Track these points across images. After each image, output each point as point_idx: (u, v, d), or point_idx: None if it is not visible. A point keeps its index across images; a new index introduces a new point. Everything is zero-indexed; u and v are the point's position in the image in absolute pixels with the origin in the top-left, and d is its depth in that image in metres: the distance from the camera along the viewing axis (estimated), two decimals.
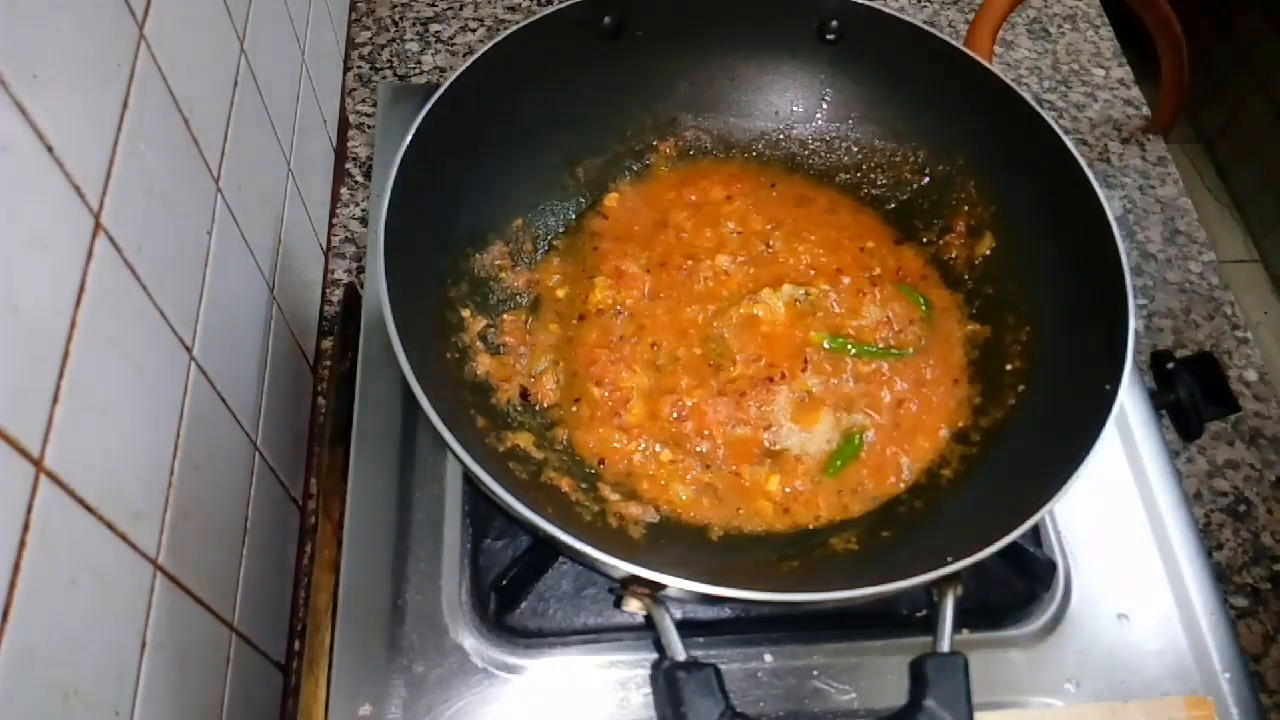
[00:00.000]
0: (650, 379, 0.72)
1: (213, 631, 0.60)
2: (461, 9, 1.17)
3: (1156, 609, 0.66)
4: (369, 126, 1.05)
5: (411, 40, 1.13)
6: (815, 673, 0.63)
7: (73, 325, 0.44)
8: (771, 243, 0.79)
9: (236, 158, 0.68)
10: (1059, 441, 0.60)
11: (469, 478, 0.67)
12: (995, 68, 0.74)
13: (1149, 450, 0.73)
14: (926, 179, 0.80)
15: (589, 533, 0.63)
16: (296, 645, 0.75)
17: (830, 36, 0.79)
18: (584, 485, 0.67)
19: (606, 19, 0.75)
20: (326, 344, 0.90)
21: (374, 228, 0.62)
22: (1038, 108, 0.70)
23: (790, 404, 0.71)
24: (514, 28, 0.71)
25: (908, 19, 0.75)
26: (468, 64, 0.69)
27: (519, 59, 0.72)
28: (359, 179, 1.02)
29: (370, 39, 1.14)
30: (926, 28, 0.75)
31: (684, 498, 0.67)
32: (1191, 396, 0.71)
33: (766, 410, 0.71)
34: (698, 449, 0.69)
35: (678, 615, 0.63)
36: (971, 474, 0.67)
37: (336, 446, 0.70)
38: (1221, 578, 0.80)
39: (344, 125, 1.05)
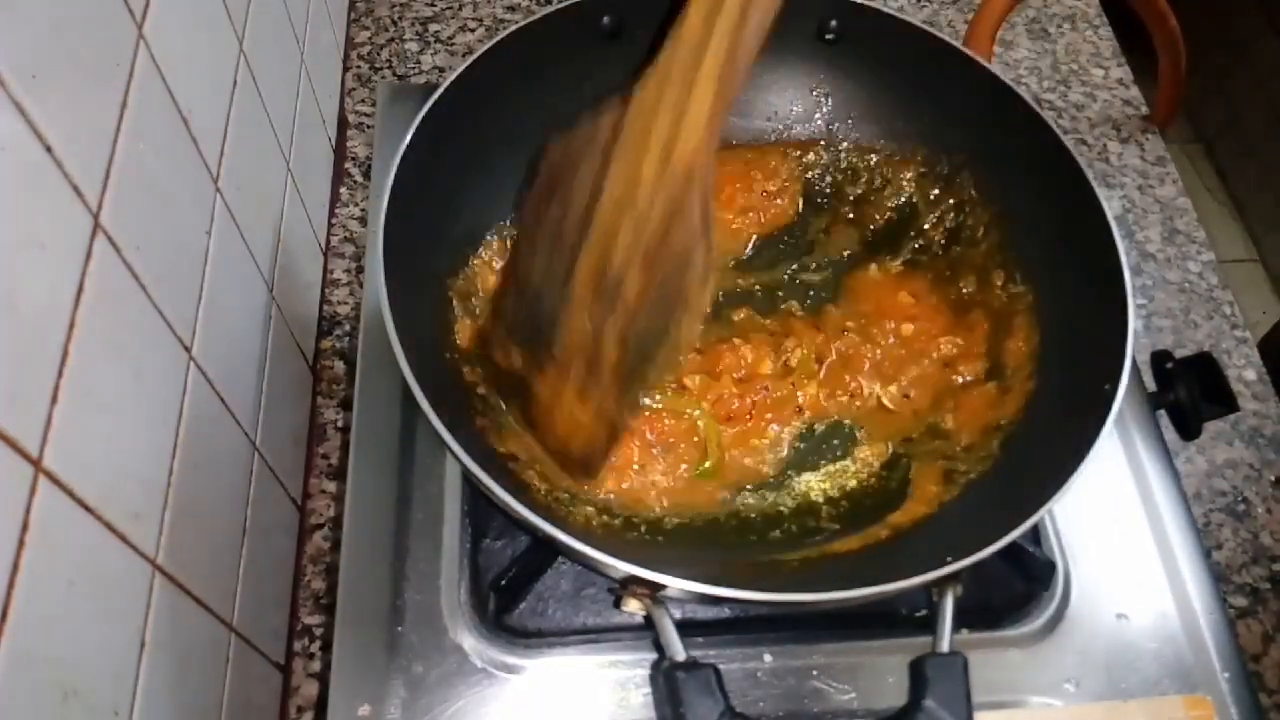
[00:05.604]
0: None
1: (212, 631, 0.60)
2: (461, 9, 1.17)
3: (1156, 609, 0.66)
4: (368, 126, 1.05)
5: (411, 40, 1.13)
6: (815, 673, 0.63)
7: (71, 325, 0.44)
8: None
9: (236, 158, 0.68)
10: (1058, 441, 0.60)
11: (469, 478, 0.67)
12: (995, 68, 0.74)
13: (1148, 450, 0.73)
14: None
15: (588, 533, 0.63)
16: (296, 645, 0.75)
17: (829, 36, 0.79)
18: (584, 485, 0.66)
19: (606, 19, 0.75)
20: (326, 344, 0.90)
21: (374, 227, 0.61)
22: (1037, 108, 0.70)
23: (783, 405, 0.71)
24: (513, 28, 0.71)
25: (907, 19, 0.75)
26: (467, 64, 0.69)
27: (518, 59, 0.72)
28: (358, 179, 1.02)
29: (369, 39, 1.14)
30: (926, 27, 0.74)
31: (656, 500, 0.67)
32: (1191, 396, 0.71)
33: (763, 424, 0.70)
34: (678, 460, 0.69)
35: (677, 615, 0.63)
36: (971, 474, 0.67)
37: None
38: (1221, 577, 0.80)
39: (343, 125, 1.05)
